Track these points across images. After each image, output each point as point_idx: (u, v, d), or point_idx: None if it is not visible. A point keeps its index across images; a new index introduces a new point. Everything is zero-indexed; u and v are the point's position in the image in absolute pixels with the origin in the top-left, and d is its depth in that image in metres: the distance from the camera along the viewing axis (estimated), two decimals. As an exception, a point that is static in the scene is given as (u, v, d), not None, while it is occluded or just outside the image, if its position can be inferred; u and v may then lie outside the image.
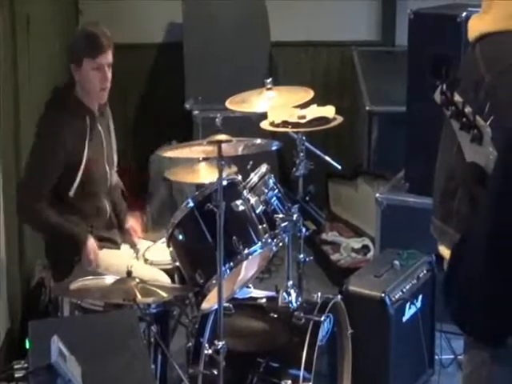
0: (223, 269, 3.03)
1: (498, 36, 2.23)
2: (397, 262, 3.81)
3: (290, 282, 3.42)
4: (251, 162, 3.48)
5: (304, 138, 3.66)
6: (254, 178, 3.40)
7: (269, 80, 3.73)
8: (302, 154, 3.64)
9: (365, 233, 5.41)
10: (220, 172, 2.98)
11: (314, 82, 5.57)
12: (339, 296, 3.42)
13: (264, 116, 3.68)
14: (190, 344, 3.28)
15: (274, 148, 3.31)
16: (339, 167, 3.97)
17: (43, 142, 3.49)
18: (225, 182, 3.10)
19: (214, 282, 3.12)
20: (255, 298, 3.46)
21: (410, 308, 3.69)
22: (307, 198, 3.63)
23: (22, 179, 3.66)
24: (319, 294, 3.37)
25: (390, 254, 3.96)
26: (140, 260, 3.61)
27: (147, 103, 6.11)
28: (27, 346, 2.34)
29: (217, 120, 3.71)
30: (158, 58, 6.08)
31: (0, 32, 3.76)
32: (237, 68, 5.47)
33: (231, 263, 3.16)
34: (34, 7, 4.40)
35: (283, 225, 3.35)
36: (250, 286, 3.54)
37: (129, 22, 5.81)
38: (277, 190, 3.41)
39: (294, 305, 3.34)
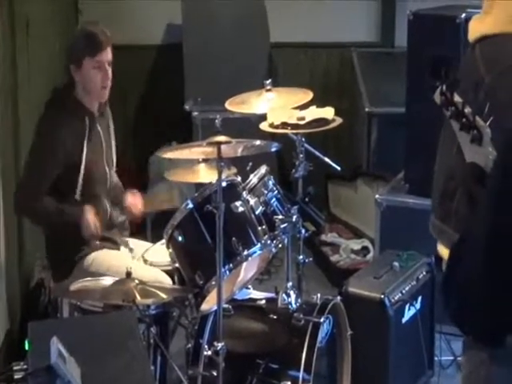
0: (223, 270, 3.03)
1: (499, 38, 2.23)
2: (396, 264, 3.81)
3: (290, 284, 3.42)
4: (251, 164, 3.48)
5: (303, 139, 3.66)
6: (253, 179, 3.40)
7: (268, 81, 3.73)
8: (301, 156, 3.64)
9: (364, 234, 5.41)
10: (219, 173, 2.98)
11: (314, 83, 5.57)
12: (339, 297, 3.42)
13: (263, 117, 3.68)
14: (190, 345, 3.28)
15: (273, 149, 3.31)
16: (338, 168, 3.97)
17: (42, 141, 3.49)
18: (224, 184, 3.10)
19: (213, 283, 3.12)
20: (255, 300, 3.46)
21: (409, 309, 3.69)
22: (307, 200, 3.63)
23: (20, 178, 3.67)
24: (319, 295, 3.37)
25: (389, 256, 3.96)
26: (140, 261, 3.61)
27: (147, 104, 6.12)
28: (26, 347, 2.34)
29: (216, 121, 3.70)
30: (157, 59, 6.08)
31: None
32: (236, 69, 5.47)
33: (231, 264, 3.16)
34: (33, 7, 4.40)
35: (283, 226, 3.35)
36: (250, 287, 3.54)
37: (128, 22, 5.82)
38: (276, 192, 3.41)
39: (294, 306, 3.34)
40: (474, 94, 2.11)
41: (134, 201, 3.77)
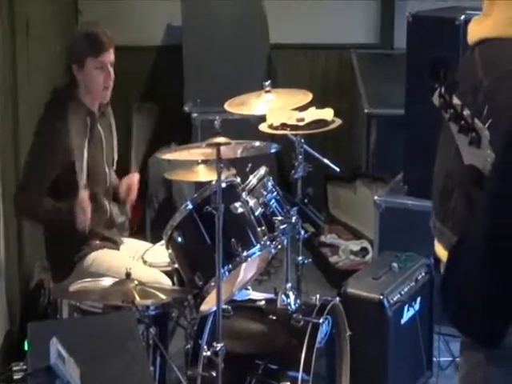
0: (222, 271, 3.03)
1: (498, 41, 2.23)
2: (395, 265, 3.81)
3: (289, 285, 3.42)
4: (250, 165, 3.48)
5: (303, 140, 3.66)
6: (252, 180, 3.40)
7: (267, 82, 3.73)
8: (300, 157, 3.64)
9: (363, 235, 5.41)
10: (219, 174, 2.98)
11: (313, 84, 5.57)
12: (338, 298, 3.42)
13: (263, 118, 3.68)
14: (189, 346, 3.28)
15: (272, 150, 3.31)
16: (338, 170, 3.98)
17: (42, 142, 3.49)
18: (224, 185, 3.10)
19: (212, 284, 3.12)
20: (254, 300, 3.46)
21: (408, 310, 3.69)
22: (306, 201, 3.63)
23: (20, 179, 3.66)
24: (318, 296, 3.36)
25: (388, 257, 3.96)
26: (139, 261, 3.61)
27: (146, 106, 6.11)
28: (26, 347, 2.34)
29: (216, 122, 3.70)
30: (157, 60, 6.08)
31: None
32: (236, 70, 5.47)
33: (230, 265, 3.16)
34: (33, 7, 4.40)
35: (282, 227, 3.35)
36: (249, 288, 3.54)
37: (128, 23, 5.82)
38: (275, 193, 3.41)
39: (293, 307, 3.34)
40: (473, 97, 2.12)
41: (129, 185, 3.73)
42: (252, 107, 3.73)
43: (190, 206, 3.22)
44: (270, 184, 3.41)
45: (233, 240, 3.16)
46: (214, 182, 3.13)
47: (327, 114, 3.67)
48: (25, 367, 2.17)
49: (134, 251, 3.71)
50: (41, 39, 4.61)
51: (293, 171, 3.66)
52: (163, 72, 5.97)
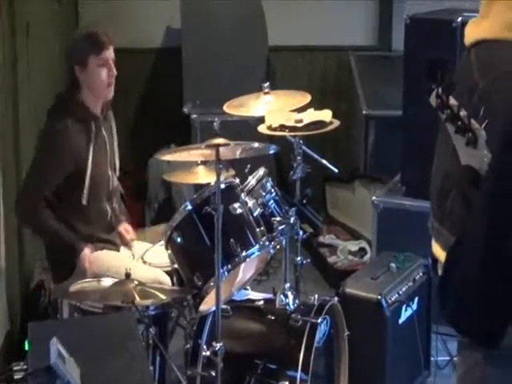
0: (221, 271, 3.03)
1: (494, 43, 2.24)
2: (393, 265, 3.81)
3: (288, 285, 3.41)
4: (249, 166, 3.48)
5: (301, 141, 3.66)
6: (251, 181, 3.40)
7: (266, 84, 3.73)
8: (299, 158, 3.64)
9: (361, 235, 5.42)
10: (218, 175, 2.98)
11: (311, 86, 5.58)
12: (336, 298, 3.42)
13: (261, 120, 3.68)
14: (188, 346, 3.27)
15: (271, 152, 3.31)
16: (336, 171, 3.98)
17: (46, 145, 3.48)
18: (223, 186, 3.10)
19: (211, 284, 3.12)
20: (253, 300, 3.46)
21: (406, 310, 3.69)
22: (304, 201, 3.63)
23: (22, 185, 3.65)
24: (316, 296, 3.36)
25: (386, 257, 3.96)
26: (139, 261, 3.61)
27: (146, 107, 6.12)
28: (26, 347, 2.34)
29: (215, 124, 3.71)
30: (156, 62, 6.08)
31: (-1, 33, 3.77)
32: (235, 72, 5.47)
33: (229, 266, 3.16)
34: (33, 8, 4.40)
35: (281, 227, 3.35)
36: (248, 288, 3.54)
37: (128, 26, 5.81)
38: (274, 193, 3.41)
39: (292, 307, 3.34)
40: (469, 98, 2.12)
41: (127, 227, 3.77)
42: (251, 109, 3.72)
43: (190, 207, 3.22)
44: (268, 185, 3.41)
45: (232, 240, 3.16)
46: (213, 183, 3.13)
47: (325, 115, 3.67)
48: (25, 367, 2.17)
49: (134, 252, 3.71)
50: (41, 40, 4.61)
51: (291, 172, 3.66)
52: (163, 74, 5.97)
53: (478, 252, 2.09)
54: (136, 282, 3.07)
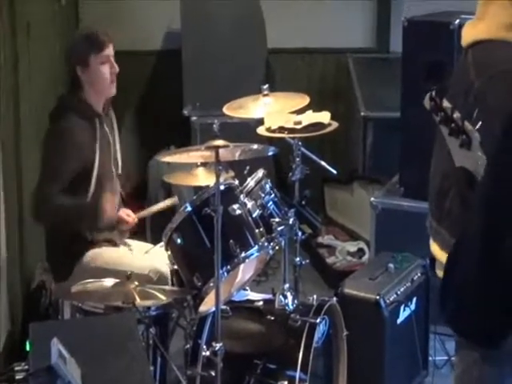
0: (221, 272, 3.03)
1: (491, 43, 2.24)
2: (391, 265, 3.81)
3: (287, 285, 3.42)
4: (248, 167, 3.48)
5: (300, 143, 3.66)
6: (250, 182, 3.40)
7: (265, 86, 3.73)
8: (298, 159, 3.64)
9: (360, 236, 5.41)
10: (217, 177, 2.98)
11: (310, 88, 5.57)
12: (335, 298, 3.42)
13: (261, 122, 3.68)
14: (188, 346, 3.27)
15: (270, 153, 3.31)
16: (335, 172, 3.98)
17: (57, 143, 3.46)
18: (222, 187, 3.10)
19: (211, 284, 3.12)
20: (252, 301, 3.46)
21: (404, 310, 3.69)
22: (303, 203, 3.62)
23: (37, 188, 3.51)
24: (315, 296, 3.37)
25: (384, 257, 3.96)
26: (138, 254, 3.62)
27: (146, 109, 6.11)
28: (28, 347, 2.34)
29: (214, 126, 3.72)
30: (156, 64, 6.08)
31: (0, 33, 3.75)
32: (234, 74, 5.47)
33: (228, 266, 3.16)
34: (34, 9, 4.40)
35: (280, 228, 3.35)
36: (247, 288, 3.54)
37: (128, 29, 5.81)
38: (273, 195, 3.41)
39: (291, 307, 3.34)
40: (464, 99, 2.12)
41: (128, 214, 3.72)
42: (250, 111, 3.72)
43: (189, 208, 3.22)
44: (267, 186, 3.41)
45: (231, 241, 3.16)
46: (212, 185, 3.13)
47: (324, 117, 3.67)
48: (26, 367, 2.17)
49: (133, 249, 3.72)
50: (42, 40, 4.60)
51: (290, 173, 3.66)
52: (163, 76, 5.97)
53: (476, 252, 2.10)
54: (136, 283, 3.07)
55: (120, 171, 3.75)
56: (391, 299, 3.60)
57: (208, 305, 3.22)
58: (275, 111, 3.68)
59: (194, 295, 3.20)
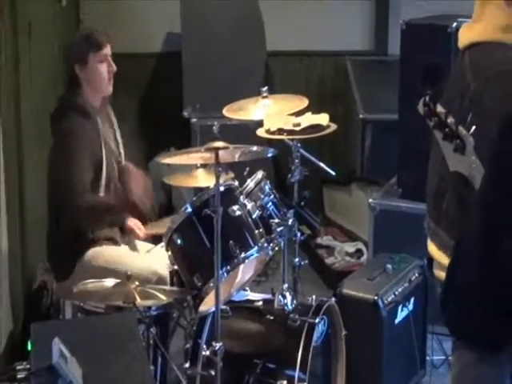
0: (220, 272, 3.03)
1: (487, 45, 2.24)
2: (389, 266, 3.81)
3: (286, 285, 3.41)
4: (248, 169, 3.48)
5: (299, 145, 3.66)
6: (250, 184, 3.40)
7: (265, 88, 3.73)
8: (297, 161, 3.64)
9: (358, 237, 5.41)
10: (217, 178, 2.98)
11: (309, 90, 5.57)
12: (333, 299, 3.43)
13: (260, 124, 3.68)
14: (188, 345, 3.27)
15: (269, 155, 3.31)
16: (333, 173, 3.98)
17: (67, 144, 3.45)
18: (222, 188, 3.10)
19: (211, 285, 3.12)
20: (252, 301, 3.46)
21: (402, 310, 3.69)
22: (302, 204, 3.62)
23: (64, 194, 3.46)
24: (314, 296, 3.37)
25: (382, 258, 3.96)
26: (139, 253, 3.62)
27: (147, 110, 6.11)
28: (29, 347, 2.34)
29: (214, 127, 3.71)
30: (157, 66, 6.08)
31: (1, 33, 3.75)
32: (234, 77, 5.47)
33: (228, 267, 3.15)
34: (35, 9, 4.40)
35: (279, 229, 3.35)
36: (247, 288, 3.54)
37: (128, 31, 5.81)
38: (273, 196, 3.41)
39: (290, 307, 3.34)
40: (460, 102, 2.12)
41: (138, 226, 3.71)
42: (250, 112, 3.73)
43: (189, 209, 3.22)
44: (267, 187, 3.41)
45: (231, 242, 3.16)
46: (212, 186, 3.13)
47: (323, 119, 3.67)
48: (28, 366, 2.17)
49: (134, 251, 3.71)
50: (43, 40, 4.60)
51: (289, 175, 3.66)
52: (163, 78, 5.97)
53: (476, 253, 2.10)
54: (137, 283, 3.07)
55: (123, 162, 3.75)
56: (389, 299, 3.60)
57: (208, 305, 3.21)
58: (274, 113, 3.68)
59: (194, 295, 3.20)
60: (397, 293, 3.67)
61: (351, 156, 5.89)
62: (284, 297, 3.36)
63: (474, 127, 1.98)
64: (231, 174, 3.70)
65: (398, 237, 4.24)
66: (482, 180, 2.02)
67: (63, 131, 3.51)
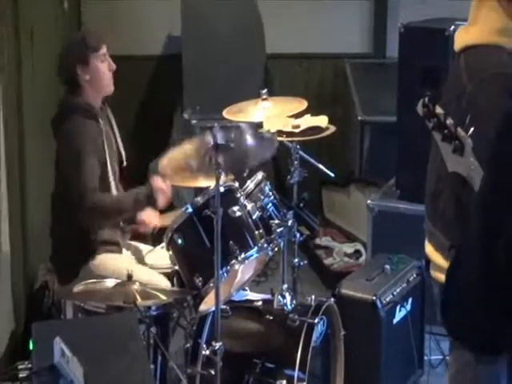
0: (220, 272, 3.02)
1: (483, 48, 2.24)
2: (387, 267, 3.81)
3: (285, 286, 3.41)
4: (247, 170, 3.48)
5: (298, 146, 3.67)
6: (250, 185, 3.39)
7: (264, 91, 3.74)
8: (296, 163, 3.65)
9: (357, 238, 5.41)
10: (217, 179, 2.98)
11: (308, 92, 5.57)
12: (332, 299, 3.43)
13: (260, 125, 3.67)
14: (189, 345, 3.27)
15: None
16: (332, 175, 3.98)
17: (73, 144, 3.44)
18: (222, 189, 3.10)
19: (211, 285, 3.12)
20: (251, 301, 3.46)
21: (400, 310, 3.69)
22: (301, 205, 3.63)
23: (76, 195, 3.43)
24: (313, 296, 3.36)
25: (381, 259, 3.96)
26: (140, 264, 3.60)
27: (147, 112, 6.11)
28: (31, 346, 2.34)
29: (214, 129, 3.70)
30: (157, 68, 6.08)
31: (4, 37, 3.75)
32: (234, 79, 5.47)
33: (228, 267, 3.15)
34: (38, 11, 4.40)
35: (278, 230, 3.35)
36: (247, 288, 3.54)
37: (130, 33, 5.82)
38: (272, 197, 3.41)
39: (289, 307, 3.33)
40: (457, 104, 2.12)
41: (149, 217, 3.68)
42: (249, 114, 3.73)
43: (190, 210, 3.22)
44: (266, 189, 3.41)
45: (231, 242, 3.16)
46: (212, 187, 3.13)
47: (322, 121, 3.68)
48: (30, 366, 2.17)
49: (136, 253, 3.70)
50: (45, 43, 4.60)
51: (289, 176, 3.66)
52: (163, 80, 5.97)
53: (476, 253, 2.09)
54: (138, 283, 3.06)
55: (125, 163, 3.75)
56: (387, 300, 3.60)
57: (208, 304, 3.21)
58: (274, 115, 3.68)
59: (195, 295, 3.20)
60: (395, 293, 3.67)
61: (350, 158, 5.89)
62: (283, 297, 3.36)
63: (472, 129, 1.98)
64: (231, 176, 3.69)
65: (396, 238, 4.24)
66: (481, 181, 2.02)
67: (67, 132, 3.50)
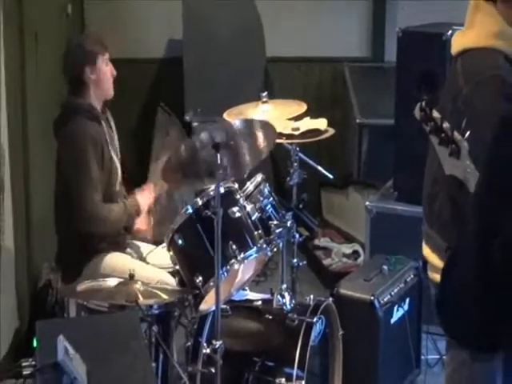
0: (220, 272, 3.03)
1: (479, 51, 2.25)
2: (385, 267, 3.81)
3: (284, 286, 3.42)
4: (247, 171, 3.48)
5: (297, 148, 3.67)
6: (249, 186, 3.40)
7: (264, 93, 3.74)
8: (295, 164, 3.65)
9: (355, 239, 5.41)
10: (217, 180, 2.99)
11: (307, 95, 5.56)
12: (331, 299, 3.43)
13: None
14: (189, 343, 3.28)
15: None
16: (331, 177, 3.99)
17: (79, 144, 3.44)
18: (222, 190, 3.11)
19: (211, 284, 3.12)
20: (251, 301, 3.46)
21: (397, 310, 3.69)
22: (301, 206, 3.63)
23: (77, 200, 3.43)
24: (312, 296, 3.37)
25: (378, 259, 3.96)
26: (143, 262, 3.61)
27: (148, 114, 6.11)
28: (34, 344, 2.34)
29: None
30: (159, 71, 6.09)
31: (9, 41, 3.76)
32: (234, 82, 5.48)
33: (228, 266, 3.16)
34: (42, 13, 4.41)
35: (278, 231, 3.35)
36: (247, 288, 3.54)
37: (131, 37, 5.82)
38: (271, 198, 3.42)
39: (288, 307, 3.34)
40: (452, 106, 2.12)
41: (142, 224, 3.70)
42: (249, 117, 3.73)
43: (190, 210, 3.22)
44: (266, 190, 3.41)
45: (231, 243, 3.17)
46: (213, 188, 3.13)
47: (321, 123, 3.68)
48: (33, 363, 2.17)
49: (139, 252, 3.71)
50: (49, 44, 4.60)
51: (288, 178, 3.66)
52: (165, 83, 5.98)
53: (472, 254, 2.10)
54: (140, 283, 3.07)
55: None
56: (385, 300, 3.60)
57: (208, 304, 3.22)
58: (274, 118, 3.68)
59: (195, 294, 3.20)
60: (392, 293, 3.67)
61: (348, 160, 5.89)
62: (283, 297, 3.37)
63: (468, 132, 1.99)
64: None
65: (394, 239, 4.25)
66: (477, 183, 2.02)
67: (69, 133, 3.48)
